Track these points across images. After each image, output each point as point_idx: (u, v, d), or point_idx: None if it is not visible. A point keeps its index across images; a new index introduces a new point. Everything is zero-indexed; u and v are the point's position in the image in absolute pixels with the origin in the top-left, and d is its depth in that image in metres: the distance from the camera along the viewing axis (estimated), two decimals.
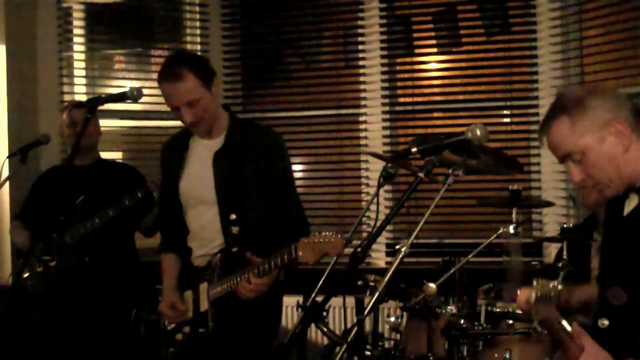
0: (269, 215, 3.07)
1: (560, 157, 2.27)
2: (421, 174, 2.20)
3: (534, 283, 1.86)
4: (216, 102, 3.10)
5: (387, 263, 4.96)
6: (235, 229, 3.01)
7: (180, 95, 2.97)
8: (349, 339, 2.15)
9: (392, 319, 3.45)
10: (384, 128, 5.09)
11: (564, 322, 1.92)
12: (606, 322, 2.21)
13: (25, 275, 4.01)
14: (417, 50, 5.12)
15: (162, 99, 3.05)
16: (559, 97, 2.29)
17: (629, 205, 2.26)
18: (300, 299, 3.14)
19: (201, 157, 3.14)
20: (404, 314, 3.44)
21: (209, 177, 3.09)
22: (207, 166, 3.10)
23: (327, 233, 2.68)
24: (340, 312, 4.52)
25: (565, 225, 3.47)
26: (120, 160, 5.09)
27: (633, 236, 2.21)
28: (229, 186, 3.07)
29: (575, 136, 2.19)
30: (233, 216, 3.01)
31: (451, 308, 3.18)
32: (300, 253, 2.67)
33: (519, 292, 1.79)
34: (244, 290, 2.93)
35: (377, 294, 2.13)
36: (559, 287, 1.85)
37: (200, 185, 3.12)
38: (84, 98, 4.99)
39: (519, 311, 3.03)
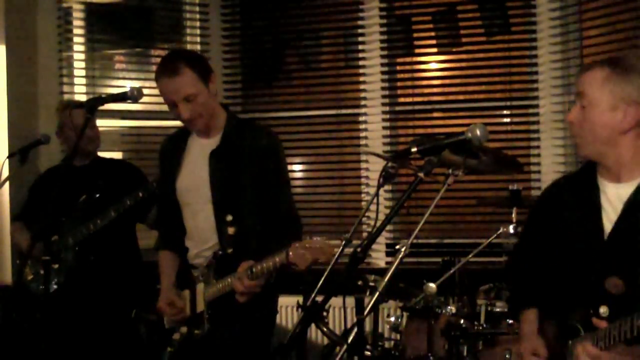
0: (264, 216, 3.06)
1: (576, 92, 2.34)
2: (421, 174, 2.20)
3: None
4: (214, 99, 3.10)
5: (387, 263, 4.95)
6: (231, 230, 3.01)
7: (177, 89, 2.98)
8: (349, 339, 2.15)
9: (392, 319, 3.44)
10: (384, 128, 5.09)
11: None
12: (606, 310, 2.21)
13: (29, 277, 4.01)
14: (417, 50, 5.11)
15: (162, 99, 3.05)
16: (619, 57, 2.41)
17: (620, 192, 2.28)
18: (300, 299, 3.14)
19: (197, 156, 3.14)
20: (404, 314, 3.45)
21: (204, 176, 3.09)
22: (202, 165, 3.10)
23: (318, 238, 2.71)
24: (340, 312, 4.51)
25: None
26: (118, 158, 5.08)
27: (633, 227, 2.22)
28: (223, 186, 3.07)
29: (601, 89, 2.25)
30: (229, 217, 3.00)
31: (451, 308, 3.18)
32: (292, 258, 2.70)
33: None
34: (237, 294, 2.94)
35: (377, 294, 2.13)
36: None
37: (196, 184, 3.12)
38: (84, 98, 4.98)
39: None
